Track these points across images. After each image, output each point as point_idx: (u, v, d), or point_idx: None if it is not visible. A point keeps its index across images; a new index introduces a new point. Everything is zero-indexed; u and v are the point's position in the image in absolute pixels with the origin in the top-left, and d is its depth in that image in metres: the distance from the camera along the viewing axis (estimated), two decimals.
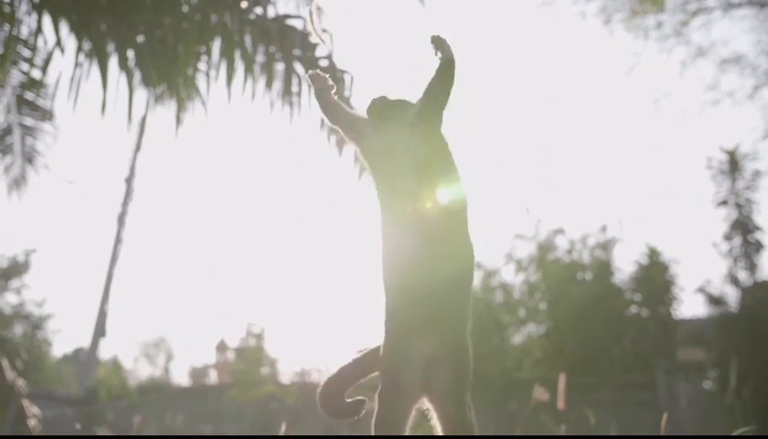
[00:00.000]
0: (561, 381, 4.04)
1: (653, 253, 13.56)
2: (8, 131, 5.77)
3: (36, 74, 5.32)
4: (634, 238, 20.96)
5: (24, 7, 4.68)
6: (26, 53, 5.17)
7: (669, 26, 14.19)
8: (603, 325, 12.57)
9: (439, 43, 1.73)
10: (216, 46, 4.43)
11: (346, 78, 4.42)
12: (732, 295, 13.02)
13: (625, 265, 14.16)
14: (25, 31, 4.91)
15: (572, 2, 14.39)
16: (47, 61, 5.03)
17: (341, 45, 4.58)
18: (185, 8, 4.36)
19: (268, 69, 4.45)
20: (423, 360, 1.49)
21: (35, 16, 4.68)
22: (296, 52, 4.40)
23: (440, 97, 1.70)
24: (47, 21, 4.64)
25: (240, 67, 4.42)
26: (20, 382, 5.15)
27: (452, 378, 1.50)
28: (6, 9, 4.72)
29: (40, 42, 4.88)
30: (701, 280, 13.80)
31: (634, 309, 13.49)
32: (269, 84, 4.46)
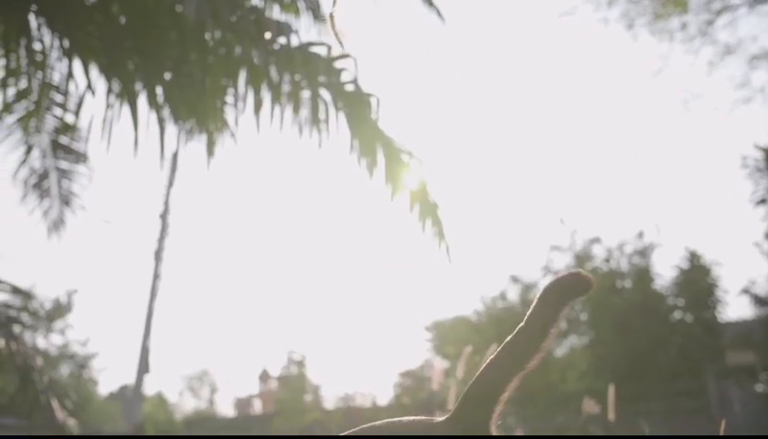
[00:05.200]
0: (611, 393, 3.97)
1: (693, 257, 13.34)
2: (45, 175, 5.90)
3: (69, 118, 5.43)
4: (673, 242, 20.63)
5: (55, 54, 4.80)
6: (59, 98, 5.29)
7: (694, 26, 14.05)
8: (647, 332, 12.37)
9: None
10: (241, 77, 4.48)
11: (373, 101, 4.44)
12: None
13: (666, 271, 13.96)
14: (57, 77, 5.04)
15: (594, 9, 14.34)
16: (79, 105, 5.14)
17: (365, 67, 4.60)
18: (209, 43, 4.42)
19: (294, 97, 4.48)
20: None
21: (66, 62, 4.80)
22: (321, 79, 4.43)
23: None
24: (77, 65, 4.75)
25: (266, 97, 4.46)
26: (70, 422, 5.21)
27: None
28: (39, 57, 4.85)
29: (72, 87, 5.00)
30: (745, 281, 13.55)
31: (677, 315, 13.26)
32: (296, 112, 4.49)
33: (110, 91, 4.66)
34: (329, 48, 4.46)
